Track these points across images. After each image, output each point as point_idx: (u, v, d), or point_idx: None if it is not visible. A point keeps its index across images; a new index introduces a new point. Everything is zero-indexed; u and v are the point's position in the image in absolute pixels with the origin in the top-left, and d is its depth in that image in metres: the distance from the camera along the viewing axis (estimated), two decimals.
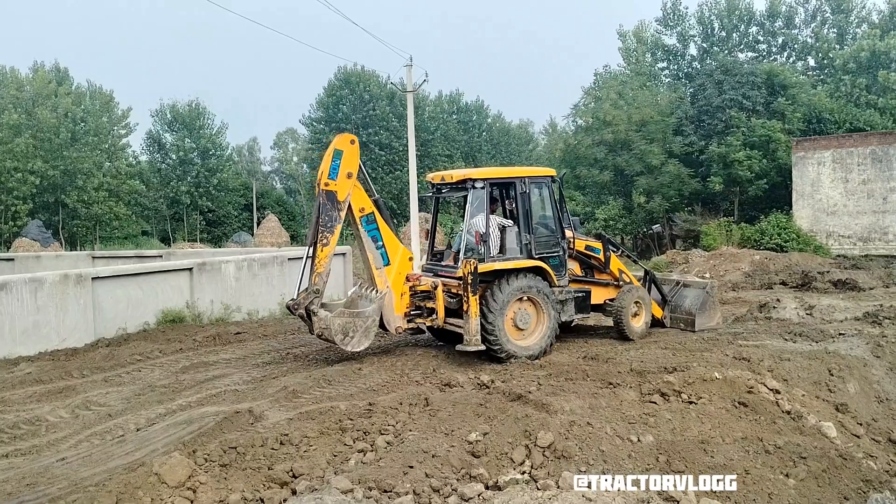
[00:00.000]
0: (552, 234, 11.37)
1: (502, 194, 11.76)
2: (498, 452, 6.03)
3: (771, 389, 7.48)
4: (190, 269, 15.35)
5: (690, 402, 7.11)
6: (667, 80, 53.20)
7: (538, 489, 5.27)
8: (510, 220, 11.27)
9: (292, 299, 10.41)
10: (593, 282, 12.25)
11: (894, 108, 39.73)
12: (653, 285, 13.28)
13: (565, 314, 11.27)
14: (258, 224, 56.42)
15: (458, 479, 5.59)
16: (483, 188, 10.64)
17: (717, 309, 13.55)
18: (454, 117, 68.88)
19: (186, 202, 56.21)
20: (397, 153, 57.38)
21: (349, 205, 10.58)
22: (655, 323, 12.83)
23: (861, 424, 7.59)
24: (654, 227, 31.15)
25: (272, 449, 6.23)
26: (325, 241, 10.26)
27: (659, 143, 37.86)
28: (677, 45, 53.71)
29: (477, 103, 71.22)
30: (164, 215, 58.44)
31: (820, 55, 49.81)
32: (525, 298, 10.47)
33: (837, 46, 48.12)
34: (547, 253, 11.11)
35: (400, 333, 11.05)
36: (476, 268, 9.97)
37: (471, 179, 10.68)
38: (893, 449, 7.33)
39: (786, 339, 10.87)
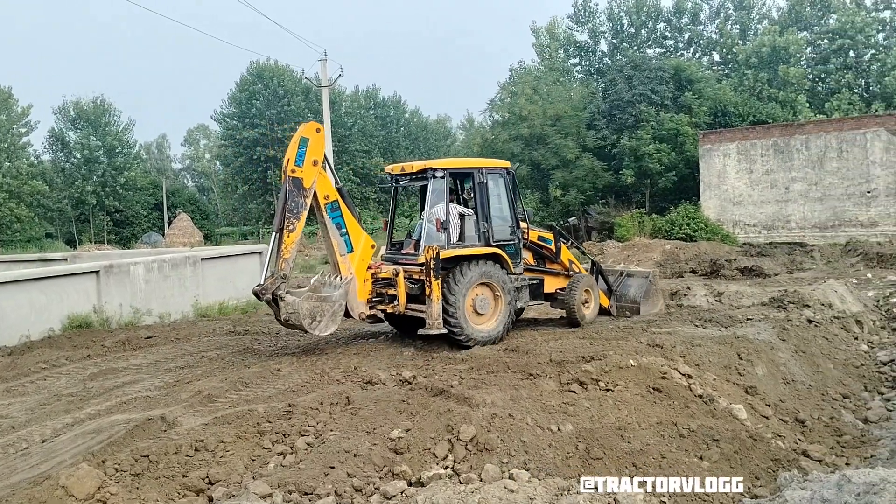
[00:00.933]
0: (508, 223, 11.78)
1: (459, 184, 12.20)
2: (421, 448, 6.01)
3: (683, 375, 7.72)
4: (97, 272, 14.70)
5: (608, 390, 7.25)
6: (579, 76, 54.36)
7: (461, 483, 5.27)
8: (469, 209, 11.64)
9: (259, 284, 10.46)
10: (545, 271, 12.67)
11: (794, 100, 41.76)
12: (599, 275, 13.80)
13: (520, 301, 11.69)
14: (169, 224, 54.76)
15: (380, 478, 5.54)
16: (443, 177, 11.05)
17: (659, 296, 14.21)
18: (371, 112, 68.46)
19: (92, 202, 54.00)
20: None
21: (314, 192, 10.69)
22: (602, 311, 13.31)
23: (769, 406, 7.90)
24: (570, 219, 31.91)
25: (187, 456, 6.02)
26: (291, 226, 10.33)
27: (573, 138, 38.68)
28: (588, 41, 54.96)
29: (394, 98, 71.06)
30: (69, 216, 55.96)
31: (724, 50, 51.91)
32: (483, 284, 10.90)
33: (740, 42, 50.22)
34: (503, 241, 11.52)
35: (363, 319, 11.18)
36: (438, 253, 10.35)
37: (431, 169, 11.05)
38: (800, 428, 7.65)
39: (697, 326, 11.24)
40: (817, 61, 46.53)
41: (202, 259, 17.20)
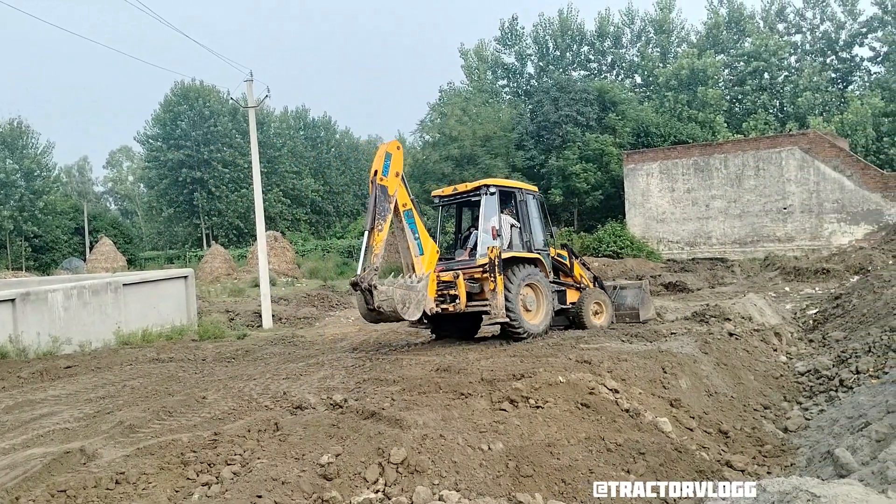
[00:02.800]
0: (542, 237, 13.91)
1: (503, 201, 13.57)
2: (351, 473, 5.91)
3: (611, 389, 7.83)
4: (12, 300, 14.08)
5: (538, 407, 7.29)
6: (507, 97, 55.28)
7: None
8: (516, 221, 13.43)
9: (357, 275, 11.56)
10: (564, 283, 14.32)
11: (713, 121, 43.40)
12: (600, 288, 15.18)
13: (554, 304, 13.39)
14: (91, 249, 52.88)
15: None
16: (495, 194, 13.05)
17: (651, 302, 15.86)
18: (301, 133, 67.90)
19: (10, 228, 51.68)
20: (242, 170, 55.72)
21: (395, 200, 12.11)
22: None
23: (693, 418, 8.07)
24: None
25: (107, 489, 5.77)
26: (379, 227, 11.69)
27: (503, 158, 39.23)
28: (516, 63, 56.05)
29: (324, 119, 70.64)
30: None
31: (645, 73, 53.64)
32: (529, 285, 12.76)
33: (661, 65, 51.96)
34: (539, 251, 13.49)
35: (432, 312, 12.33)
36: (500, 254, 12.23)
37: (486, 186, 13.13)
38: (723, 439, 7.83)
39: (623, 341, 11.46)
40: (734, 83, 48.54)
41: (124, 285, 16.67)
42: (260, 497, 5.43)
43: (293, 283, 35.62)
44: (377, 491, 5.69)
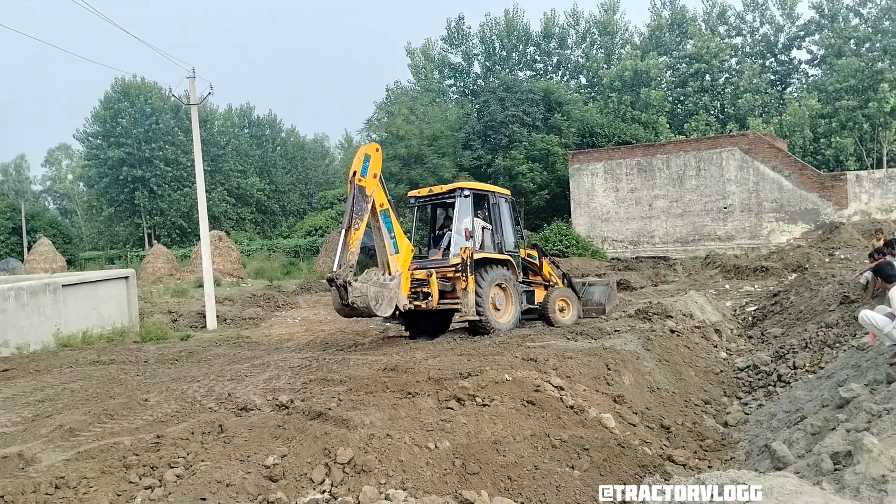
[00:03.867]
0: (513, 239, 14.50)
1: (476, 204, 14.13)
2: (297, 474, 5.87)
3: (556, 387, 7.94)
4: None
5: (484, 405, 7.35)
6: (454, 97, 55.46)
7: None
8: (487, 224, 14.02)
9: (332, 271, 12.10)
10: (534, 282, 14.96)
11: (656, 122, 44.26)
12: (569, 286, 15.77)
13: (523, 304, 14.10)
14: (29, 249, 51.21)
15: None
16: (468, 196, 13.66)
17: (616, 297, 17.21)
18: (246, 131, 66.92)
19: None
20: (185, 169, 54.62)
21: (373, 199, 12.58)
22: None
23: (636, 413, 8.23)
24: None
25: (46, 494, 5.62)
26: (356, 226, 12.13)
27: (450, 157, 39.34)
28: (463, 63, 56.26)
29: (269, 117, 69.72)
30: None
31: (590, 73, 54.40)
32: (499, 285, 13.44)
33: (605, 66, 52.77)
34: (510, 252, 14.15)
35: (405, 308, 12.86)
36: (472, 254, 12.86)
37: (460, 189, 13.76)
38: (665, 434, 8.00)
39: (568, 339, 11.61)
40: (676, 84, 49.59)
41: (63, 286, 16.20)
42: (204, 499, 5.35)
43: (238, 283, 35.10)
44: (323, 491, 5.67)
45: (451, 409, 7.30)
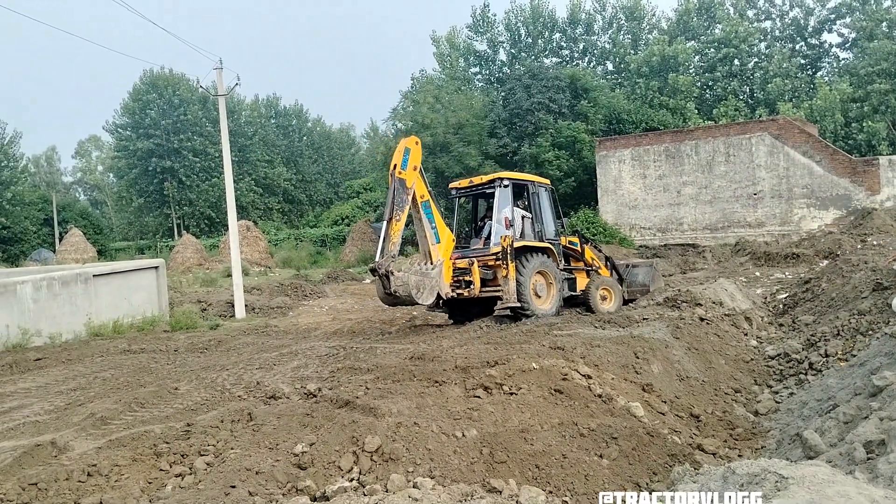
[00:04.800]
0: (553, 227, 14.82)
1: (517, 193, 14.45)
2: (325, 462, 5.90)
3: (583, 375, 7.89)
4: None
5: (511, 394, 7.33)
6: (480, 85, 55.17)
7: (365, 495, 5.20)
8: (527, 213, 14.32)
9: (376, 261, 12.42)
10: (575, 269, 15.25)
11: (684, 108, 43.67)
12: (613, 268, 16.21)
13: (565, 291, 14.38)
14: (60, 239, 52.07)
15: (283, 494, 5.41)
16: (508, 186, 13.95)
17: (661, 278, 17.29)
18: (273, 121, 67.28)
19: None
20: (213, 159, 55.07)
21: (413, 191, 12.93)
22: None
23: (665, 402, 8.16)
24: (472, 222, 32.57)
25: (79, 482, 5.71)
26: (397, 217, 12.50)
27: (475, 146, 39.17)
28: (488, 50, 55.93)
29: (296, 107, 70.03)
30: None
31: (617, 59, 53.83)
32: (540, 273, 13.69)
33: (632, 52, 52.18)
34: (551, 240, 14.42)
35: (447, 296, 13.36)
36: (512, 243, 13.17)
37: (499, 179, 14.02)
38: (695, 423, 7.93)
39: (596, 327, 11.54)
40: (705, 69, 48.85)
41: (94, 276, 16.44)
42: (234, 487, 5.41)
43: (266, 272, 35.38)
44: (352, 479, 5.69)
45: (479, 397, 7.29)
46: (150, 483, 5.86)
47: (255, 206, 59.40)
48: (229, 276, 24.11)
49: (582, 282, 15.11)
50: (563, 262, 14.75)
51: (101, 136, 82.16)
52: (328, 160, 70.39)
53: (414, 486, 5.25)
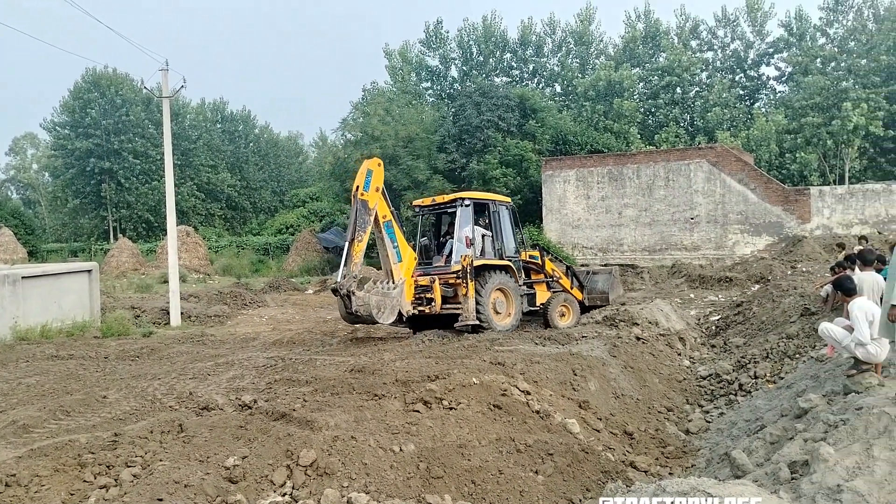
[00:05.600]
0: (513, 245, 15.10)
1: (477, 212, 14.71)
2: (258, 476, 5.78)
3: (522, 391, 7.94)
4: None
5: (451, 409, 7.32)
6: (431, 100, 55.42)
7: None
8: (487, 231, 14.58)
9: (336, 282, 12.82)
10: (536, 282, 15.64)
11: (627, 132, 44.65)
12: (573, 276, 16.68)
13: (524, 306, 14.76)
14: None
15: None
16: (469, 206, 14.28)
17: (620, 286, 17.85)
18: (218, 126, 66.13)
19: None
20: (154, 162, 53.84)
21: (376, 212, 13.30)
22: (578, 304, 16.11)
23: (601, 419, 8.27)
24: (422, 239, 32.40)
25: None
26: (359, 238, 12.86)
27: (424, 160, 39.26)
28: (440, 66, 56.32)
29: (243, 113, 69.00)
30: None
31: (565, 82, 54.75)
32: (499, 289, 14.03)
33: (580, 75, 53.15)
34: (511, 258, 14.75)
35: (409, 314, 13.68)
36: (472, 262, 13.41)
37: (461, 199, 14.36)
38: (628, 440, 8.05)
39: (536, 344, 11.65)
40: (648, 96, 50.09)
41: (23, 277, 15.86)
42: (161, 500, 5.25)
43: (205, 279, 34.67)
44: (284, 494, 5.59)
45: (418, 411, 7.25)
46: (72, 494, 5.64)
47: (196, 212, 58.18)
48: (166, 282, 23.52)
49: (542, 295, 15.51)
50: (523, 276, 15.09)
51: (38, 133, 79.55)
52: (274, 168, 69.46)
53: (348, 502, 5.19)
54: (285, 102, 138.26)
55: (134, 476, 5.81)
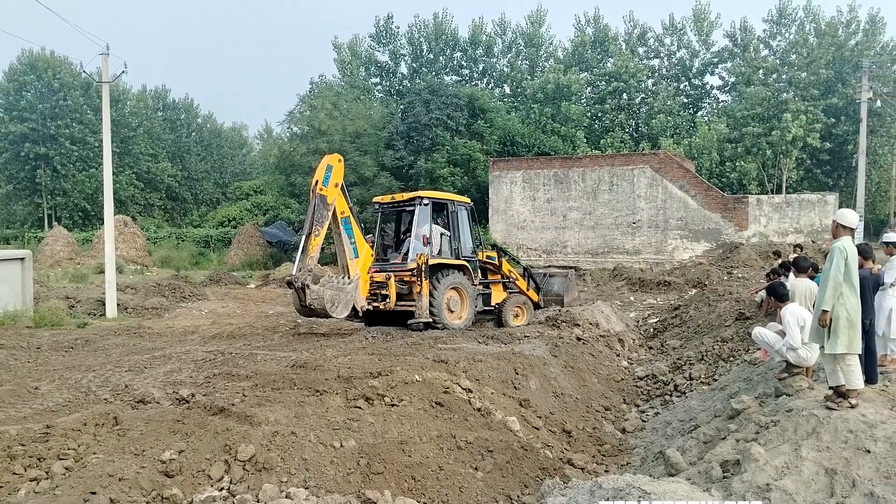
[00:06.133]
0: (470, 245, 15.25)
1: (436, 211, 14.87)
2: (195, 470, 5.70)
3: (464, 389, 8.01)
4: None
5: (392, 405, 7.34)
6: (380, 96, 55.17)
7: None
8: (445, 230, 14.71)
9: (290, 275, 13.04)
10: (492, 282, 15.80)
11: (574, 135, 45.21)
12: (529, 277, 16.84)
13: (478, 306, 14.96)
14: None
15: (148, 503, 5.18)
16: (428, 205, 14.37)
17: (575, 289, 18.17)
18: (160, 114, 64.57)
19: None
20: (92, 149, 52.27)
21: (334, 207, 13.31)
22: (534, 305, 16.27)
23: (540, 417, 8.40)
24: (367, 236, 32.24)
25: None
26: (316, 232, 12.97)
27: (372, 156, 39.07)
28: (389, 62, 56.12)
29: (186, 101, 67.53)
30: None
31: (514, 84, 55.15)
32: (454, 288, 14.21)
33: (529, 77, 53.59)
34: (467, 258, 14.90)
35: (363, 309, 13.79)
36: (427, 260, 13.63)
37: (420, 197, 14.40)
38: (567, 438, 8.20)
39: (480, 343, 11.75)
40: (595, 101, 50.82)
41: None
42: (94, 493, 5.13)
43: (143, 271, 33.85)
44: (222, 489, 5.53)
45: (360, 408, 7.26)
46: (1, 487, 5.48)
47: (134, 201, 56.71)
48: (102, 272, 22.87)
49: (498, 295, 15.70)
50: (479, 276, 15.29)
51: None
52: (217, 159, 68.16)
53: (287, 497, 5.17)
54: (230, 92, 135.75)
55: (66, 469, 5.68)
